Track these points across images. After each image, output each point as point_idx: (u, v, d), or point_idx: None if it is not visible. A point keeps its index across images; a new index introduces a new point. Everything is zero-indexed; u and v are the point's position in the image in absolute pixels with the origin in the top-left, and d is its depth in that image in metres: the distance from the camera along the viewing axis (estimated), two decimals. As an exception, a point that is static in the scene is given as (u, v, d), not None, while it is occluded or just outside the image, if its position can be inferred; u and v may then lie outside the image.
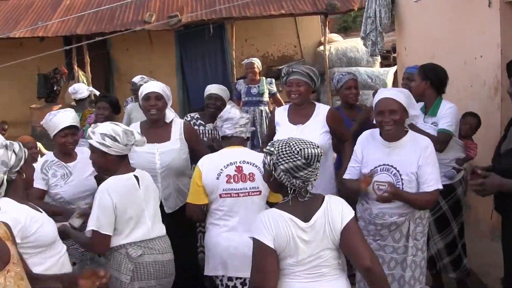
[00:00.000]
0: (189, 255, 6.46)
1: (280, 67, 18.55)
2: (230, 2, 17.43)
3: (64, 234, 4.89)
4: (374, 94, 6.75)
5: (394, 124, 5.10)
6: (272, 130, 6.47)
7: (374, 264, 3.95)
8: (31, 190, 5.35)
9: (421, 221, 5.26)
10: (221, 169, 5.39)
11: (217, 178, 5.37)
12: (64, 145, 5.94)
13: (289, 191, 3.97)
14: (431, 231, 6.37)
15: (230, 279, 5.34)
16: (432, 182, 5.11)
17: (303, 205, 3.98)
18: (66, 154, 6.04)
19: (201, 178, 5.41)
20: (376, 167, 5.26)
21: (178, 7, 18.09)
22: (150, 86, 6.33)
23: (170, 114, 6.45)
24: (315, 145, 4.02)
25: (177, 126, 6.36)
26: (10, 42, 17.19)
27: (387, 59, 19.35)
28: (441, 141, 6.04)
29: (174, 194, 6.22)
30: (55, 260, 4.35)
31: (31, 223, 4.15)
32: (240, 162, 5.44)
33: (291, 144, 3.95)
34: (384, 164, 5.22)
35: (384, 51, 14.95)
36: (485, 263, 7.02)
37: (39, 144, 9.70)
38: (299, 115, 6.27)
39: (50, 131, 5.95)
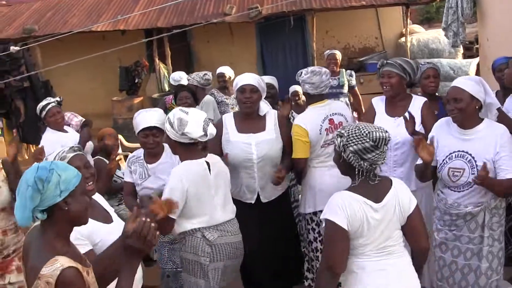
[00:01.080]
0: (290, 243, 6.59)
1: (361, 59, 18.41)
2: (309, -6, 17.36)
3: None
4: None
5: (458, 113, 5.08)
6: (368, 120, 6.23)
7: (429, 244, 4.47)
8: (125, 185, 6.17)
9: (497, 211, 5.17)
10: (321, 124, 6.17)
11: (320, 133, 6.16)
12: (144, 145, 6.05)
13: (356, 173, 4.18)
14: None
15: None
16: (511, 169, 4.99)
17: (373, 188, 4.20)
18: (150, 153, 6.12)
19: (307, 135, 6.12)
20: (451, 153, 5.22)
21: (258, -1, 18.05)
22: (246, 78, 6.25)
23: (265, 107, 6.40)
24: (383, 130, 4.19)
25: (272, 116, 6.31)
26: (93, 35, 17.45)
27: (470, 50, 19.02)
28: None
29: (270, 184, 6.18)
30: None
31: (92, 234, 4.25)
32: (330, 115, 6.24)
33: (360, 127, 4.19)
34: (459, 151, 5.17)
35: (467, 42, 14.66)
36: None
37: (119, 136, 9.86)
38: (396, 106, 6.17)
39: (135, 130, 6.06)
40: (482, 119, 5.18)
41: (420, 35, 19.02)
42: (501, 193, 5.08)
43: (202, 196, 5.14)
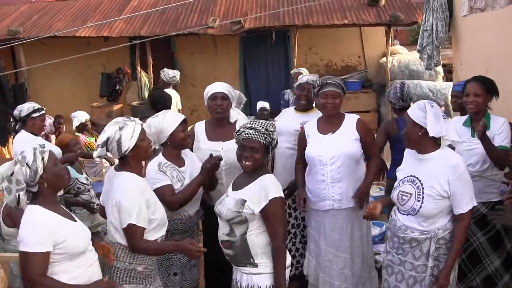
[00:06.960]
0: None
1: (342, 77, 18.49)
2: (293, 10, 17.43)
3: None
4: None
5: (406, 138, 5.21)
6: (302, 145, 6.48)
7: None
8: (161, 190, 5.49)
9: (445, 242, 5.03)
10: None
11: None
12: (184, 140, 5.84)
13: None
14: (484, 251, 6.27)
15: None
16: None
17: None
18: (178, 155, 5.90)
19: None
20: (404, 178, 5.22)
21: (242, 13, 18.17)
22: (217, 86, 6.41)
23: (235, 114, 6.53)
24: None
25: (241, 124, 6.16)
26: (77, 41, 17.52)
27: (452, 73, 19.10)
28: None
29: None
30: (83, 270, 4.39)
31: (61, 230, 4.26)
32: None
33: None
34: (410, 175, 5.16)
35: (450, 66, 14.75)
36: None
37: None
38: (330, 124, 6.32)
39: (165, 131, 5.70)
40: (439, 146, 5.08)
41: (401, 56, 19.07)
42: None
43: None
